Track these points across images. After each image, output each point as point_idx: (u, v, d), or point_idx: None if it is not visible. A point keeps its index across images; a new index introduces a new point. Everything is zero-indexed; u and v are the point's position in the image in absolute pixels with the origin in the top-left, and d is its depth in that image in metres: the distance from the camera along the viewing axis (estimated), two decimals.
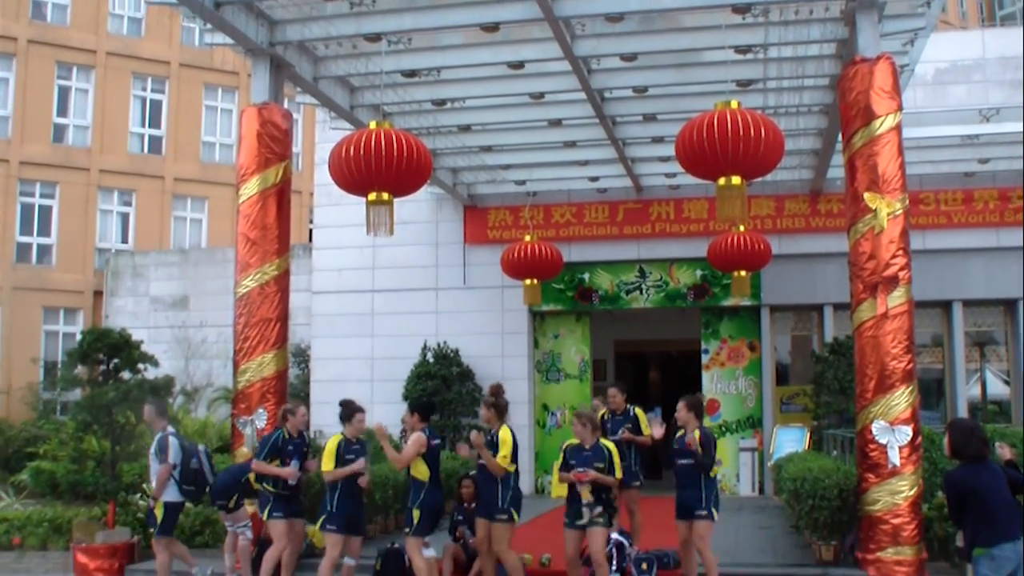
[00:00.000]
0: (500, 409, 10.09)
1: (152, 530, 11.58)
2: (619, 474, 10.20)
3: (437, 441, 10.41)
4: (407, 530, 10.30)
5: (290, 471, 10.94)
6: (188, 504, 13.97)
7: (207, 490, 11.87)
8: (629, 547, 11.49)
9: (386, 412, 20.37)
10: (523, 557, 11.17)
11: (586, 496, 10.01)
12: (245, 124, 13.42)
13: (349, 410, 10.72)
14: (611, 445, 10.34)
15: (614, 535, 10.93)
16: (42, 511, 14.38)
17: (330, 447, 10.39)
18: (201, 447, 11.74)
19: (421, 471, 10.17)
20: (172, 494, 11.48)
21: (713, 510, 9.85)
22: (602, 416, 12.34)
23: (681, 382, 23.63)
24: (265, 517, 11.02)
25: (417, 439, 10.14)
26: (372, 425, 10.69)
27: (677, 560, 11.10)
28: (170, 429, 11.60)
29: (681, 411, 10.14)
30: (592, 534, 9.98)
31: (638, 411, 12.28)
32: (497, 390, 10.44)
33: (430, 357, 20.67)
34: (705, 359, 20.79)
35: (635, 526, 12.07)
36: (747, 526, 15.09)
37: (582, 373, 21.27)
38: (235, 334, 13.34)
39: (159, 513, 11.44)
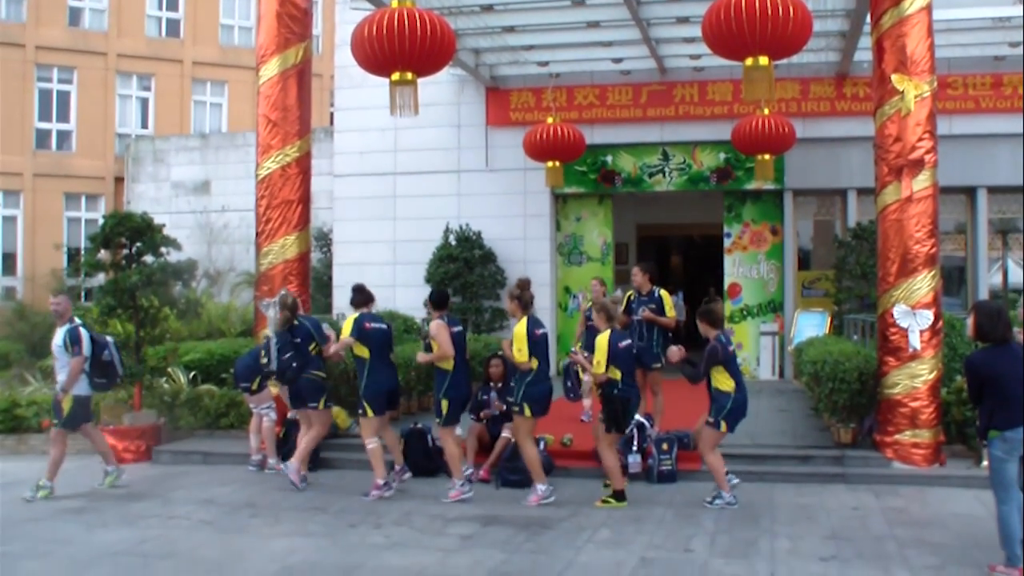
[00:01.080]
0: (524, 303, 10.11)
1: (55, 422, 11.09)
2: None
3: (458, 328, 10.50)
4: (437, 420, 10.43)
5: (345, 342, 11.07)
6: (212, 388, 14.20)
7: (118, 381, 11.60)
8: (650, 428, 11.62)
9: (408, 295, 20.53)
10: (544, 438, 11.32)
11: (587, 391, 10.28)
12: (264, 3, 13.22)
13: (364, 296, 10.91)
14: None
15: (638, 417, 11.04)
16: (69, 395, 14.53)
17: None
18: (110, 339, 11.49)
19: (446, 361, 10.26)
20: (83, 387, 11.09)
21: (722, 421, 9.83)
22: (628, 297, 12.41)
23: (703, 266, 23.60)
24: (321, 406, 11.20)
25: (439, 325, 10.23)
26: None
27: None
28: (77, 321, 11.15)
29: (700, 326, 10.12)
30: (598, 428, 10.09)
31: (663, 293, 12.32)
32: (525, 284, 10.42)
33: (452, 240, 20.66)
34: (727, 243, 20.70)
35: (657, 407, 12.18)
36: (767, 409, 15.19)
37: (604, 256, 21.24)
38: (257, 217, 13.33)
39: (66, 406, 10.95)
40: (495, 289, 20.34)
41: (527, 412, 9.92)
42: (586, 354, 10.35)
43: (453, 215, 21.01)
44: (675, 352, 10.01)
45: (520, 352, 9.77)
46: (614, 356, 9.74)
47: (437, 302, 10.47)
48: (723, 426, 9.82)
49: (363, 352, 10.57)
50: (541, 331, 10.01)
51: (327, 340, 11.19)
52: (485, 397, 11.92)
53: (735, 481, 10.33)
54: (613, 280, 21.02)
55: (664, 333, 12.17)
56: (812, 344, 14.94)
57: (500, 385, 11.80)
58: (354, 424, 12.87)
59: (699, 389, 10.06)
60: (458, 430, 10.62)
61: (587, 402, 12.91)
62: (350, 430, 12.92)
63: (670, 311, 12.06)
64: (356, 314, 10.70)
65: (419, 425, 11.94)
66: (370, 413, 10.56)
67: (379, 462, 10.60)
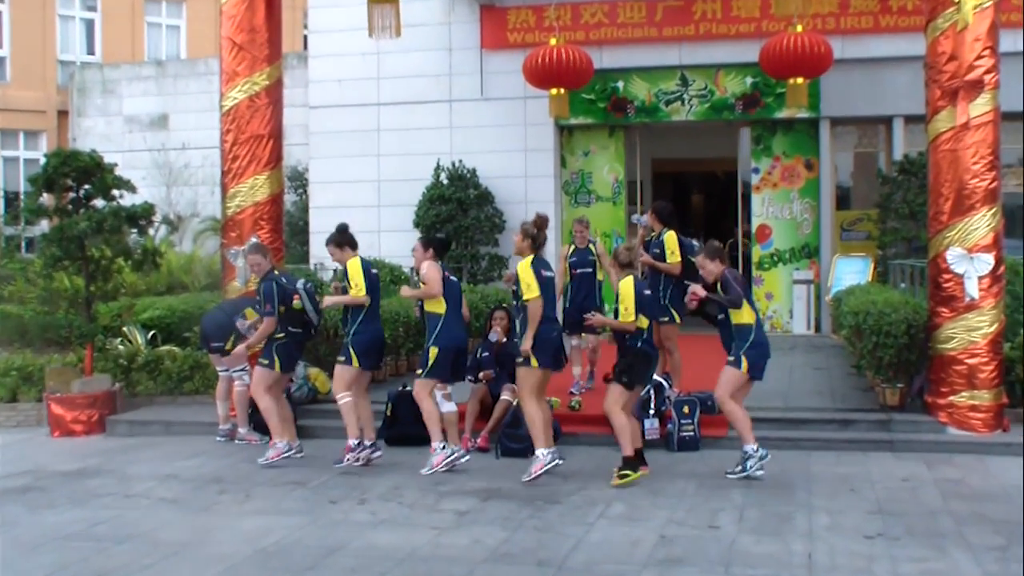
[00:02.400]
0: (537, 243, 10.04)
1: None
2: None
3: (454, 279, 10.52)
4: (419, 372, 10.41)
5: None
6: (173, 349, 14.17)
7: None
8: (668, 389, 11.59)
9: (394, 241, 20.46)
10: (550, 400, 11.30)
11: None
12: None
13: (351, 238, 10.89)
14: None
15: (655, 377, 11.00)
16: (9, 359, 14.51)
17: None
18: None
19: (437, 304, 10.32)
20: None
21: (742, 357, 9.76)
22: (644, 239, 12.39)
23: (728, 206, 23.49)
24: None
25: (432, 265, 10.28)
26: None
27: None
28: None
29: (699, 262, 10.08)
30: (608, 389, 10.03)
31: (667, 235, 12.11)
32: (543, 223, 10.32)
33: (444, 179, 20.57)
34: (755, 179, 20.60)
35: (674, 366, 12.14)
36: (801, 367, 15.17)
37: (615, 195, 21.16)
38: (223, 154, 13.24)
39: None
40: (492, 233, 20.28)
41: (533, 362, 9.83)
42: (594, 314, 10.39)
43: (445, 151, 20.90)
44: (697, 288, 9.89)
45: (530, 287, 9.72)
46: (640, 304, 9.72)
47: (437, 248, 10.57)
48: (744, 363, 9.73)
49: (364, 301, 10.62)
50: (548, 273, 9.95)
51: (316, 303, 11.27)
52: (486, 355, 11.90)
53: (759, 472, 10.12)
54: (626, 223, 20.95)
55: (673, 283, 12.08)
56: (853, 293, 14.89)
57: (504, 341, 11.78)
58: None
59: (719, 347, 10.04)
60: (452, 405, 10.60)
61: (578, 370, 12.88)
62: (331, 394, 12.96)
63: (672, 256, 11.95)
64: (356, 258, 10.71)
65: (408, 388, 11.91)
66: (355, 363, 10.58)
67: (354, 419, 10.63)
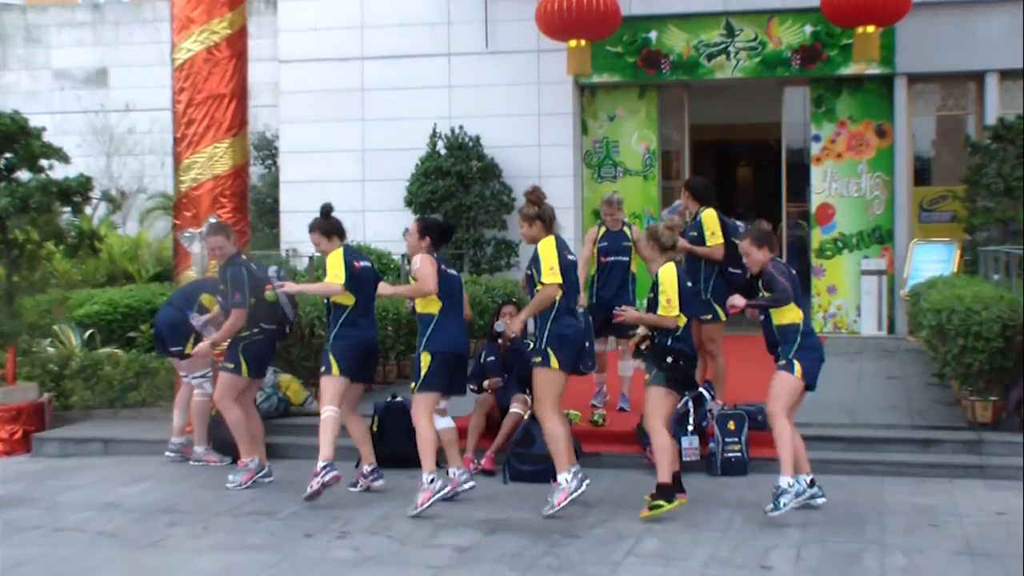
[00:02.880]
0: (547, 220, 10.01)
1: None
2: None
3: (454, 272, 10.40)
4: (412, 385, 10.36)
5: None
6: (116, 351, 14.17)
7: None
8: (711, 400, 11.60)
9: (381, 223, 20.51)
10: (569, 414, 11.28)
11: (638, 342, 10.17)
12: None
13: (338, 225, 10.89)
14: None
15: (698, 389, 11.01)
16: None
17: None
18: None
19: (430, 303, 10.20)
20: None
21: (795, 362, 9.74)
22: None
23: (781, 181, 23.50)
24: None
25: (426, 257, 10.16)
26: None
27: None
28: None
29: (742, 247, 10.07)
30: (647, 397, 10.02)
31: (705, 214, 12.11)
32: (538, 196, 10.25)
33: (441, 148, 20.61)
34: (815, 149, 20.61)
35: (718, 373, 12.15)
36: (871, 375, 15.15)
37: (647, 168, 21.20)
38: (175, 118, 13.23)
39: None
40: (499, 214, 20.33)
41: (553, 362, 9.79)
42: (626, 309, 10.36)
43: (442, 114, 20.97)
44: (737, 300, 9.88)
45: (552, 271, 9.69)
46: (681, 297, 9.73)
47: (436, 236, 10.40)
48: (797, 367, 9.71)
49: (347, 300, 10.57)
50: (571, 257, 9.95)
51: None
52: (491, 359, 11.89)
53: (818, 499, 10.03)
54: (659, 201, 20.97)
55: (715, 272, 12.05)
56: (935, 286, 14.86)
57: (512, 336, 11.65)
58: (310, 398, 12.90)
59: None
60: (448, 421, 10.57)
61: (600, 377, 12.87)
62: (305, 406, 12.95)
63: (711, 239, 11.93)
64: (340, 248, 10.63)
65: (398, 398, 11.96)
66: (336, 370, 10.49)
67: (330, 437, 10.50)
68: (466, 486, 10.38)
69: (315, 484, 10.31)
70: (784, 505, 9.52)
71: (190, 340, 11.95)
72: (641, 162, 21.20)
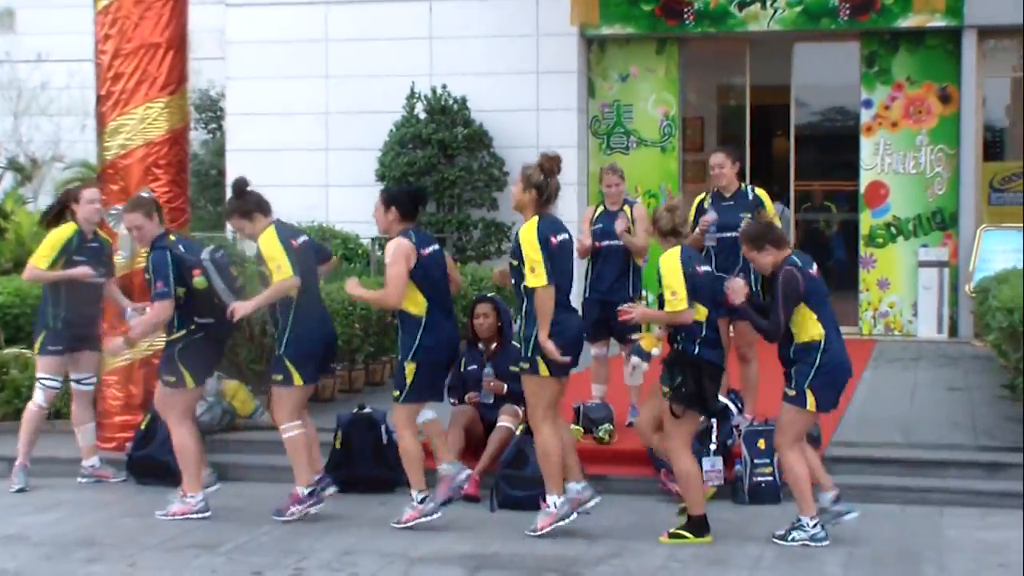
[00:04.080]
0: (545, 195, 9.97)
1: None
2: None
3: (433, 248, 10.35)
4: (396, 395, 10.39)
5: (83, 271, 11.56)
6: (22, 351, 14.11)
7: None
8: (738, 415, 11.59)
9: (349, 200, 20.51)
10: (570, 429, 11.27)
11: (649, 343, 10.07)
12: None
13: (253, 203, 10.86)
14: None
15: (722, 400, 10.96)
16: None
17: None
18: None
19: (413, 301, 10.20)
20: None
21: (807, 392, 9.69)
22: (699, 201, 12.36)
23: (825, 154, 23.52)
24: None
25: (398, 248, 10.11)
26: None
27: (816, 435, 11.14)
28: None
29: (745, 251, 10.07)
30: (666, 421, 10.00)
31: (760, 192, 12.23)
32: (551, 166, 10.19)
33: (420, 112, 20.61)
34: (866, 116, 20.59)
35: (750, 381, 12.16)
36: (929, 386, 15.14)
37: (665, 138, 21.18)
38: (98, 71, 13.14)
39: None
40: (489, 191, 20.32)
41: (542, 369, 9.82)
42: (630, 305, 10.33)
43: (422, 71, 20.98)
44: (738, 287, 9.85)
45: (535, 271, 9.65)
46: (695, 287, 9.64)
47: (403, 207, 10.35)
48: (810, 400, 9.70)
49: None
50: (560, 237, 9.90)
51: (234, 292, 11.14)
52: (472, 367, 11.89)
53: (848, 514, 10.03)
54: (679, 177, 20.95)
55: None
56: (1006, 281, 14.83)
57: (495, 347, 11.83)
58: (260, 409, 12.88)
59: None
60: (428, 413, 10.58)
61: (600, 389, 12.87)
62: (255, 418, 12.96)
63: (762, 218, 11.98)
64: (270, 227, 10.60)
65: (366, 409, 11.96)
66: (298, 379, 10.54)
67: (305, 459, 10.61)
68: (461, 477, 10.54)
69: (295, 511, 10.61)
70: (793, 540, 9.75)
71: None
72: (658, 131, 21.16)
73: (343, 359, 14.23)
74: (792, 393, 9.69)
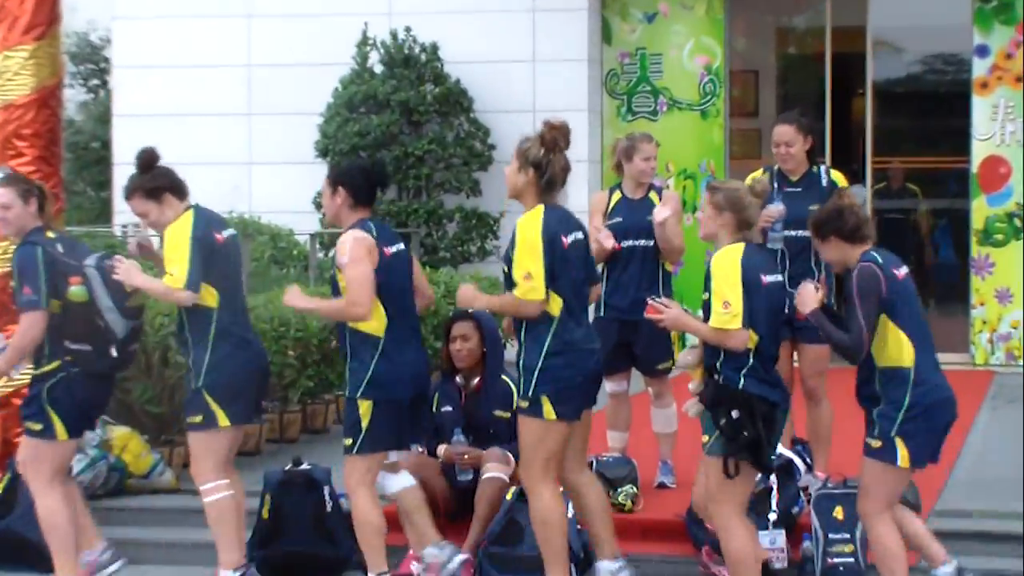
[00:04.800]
0: (549, 178, 9.97)
1: None
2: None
3: (398, 248, 10.33)
4: (347, 444, 10.32)
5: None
6: None
7: None
8: (806, 473, 11.63)
9: (280, 182, 20.60)
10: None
11: (695, 378, 10.00)
12: None
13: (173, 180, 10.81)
14: None
15: (784, 453, 11.00)
16: None
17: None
18: None
19: (376, 317, 10.07)
20: None
21: (896, 440, 9.69)
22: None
23: (920, 120, 23.62)
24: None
25: (357, 243, 10.09)
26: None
27: (913, 502, 11.13)
28: None
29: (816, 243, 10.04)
30: (705, 465, 10.00)
31: (837, 176, 12.24)
32: (556, 138, 10.19)
33: (376, 63, 20.77)
34: (979, 69, 20.67)
35: (820, 429, 12.20)
36: None
37: (706, 99, 21.23)
38: None
39: None
40: (468, 169, 20.39)
41: (548, 411, 9.80)
42: (665, 302, 10.22)
43: (377, 9, 21.13)
44: (810, 292, 9.83)
45: (531, 283, 9.64)
46: (753, 302, 9.64)
47: (357, 187, 10.27)
48: (901, 451, 9.69)
49: (208, 297, 10.52)
50: (573, 236, 9.90)
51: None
52: (447, 408, 11.90)
53: None
54: (726, 151, 21.03)
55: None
56: None
57: (477, 382, 11.79)
58: (161, 465, 12.89)
59: None
60: (404, 479, 10.59)
61: (619, 438, 12.89)
62: (153, 478, 12.95)
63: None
64: (187, 214, 10.58)
65: (303, 465, 11.98)
66: (223, 419, 10.44)
67: (233, 532, 10.53)
68: (454, 564, 10.42)
69: None
70: None
71: None
72: (698, 89, 21.21)
73: (273, 398, 14.24)
74: (876, 444, 9.55)
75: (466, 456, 11.53)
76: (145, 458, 12.94)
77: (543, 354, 9.74)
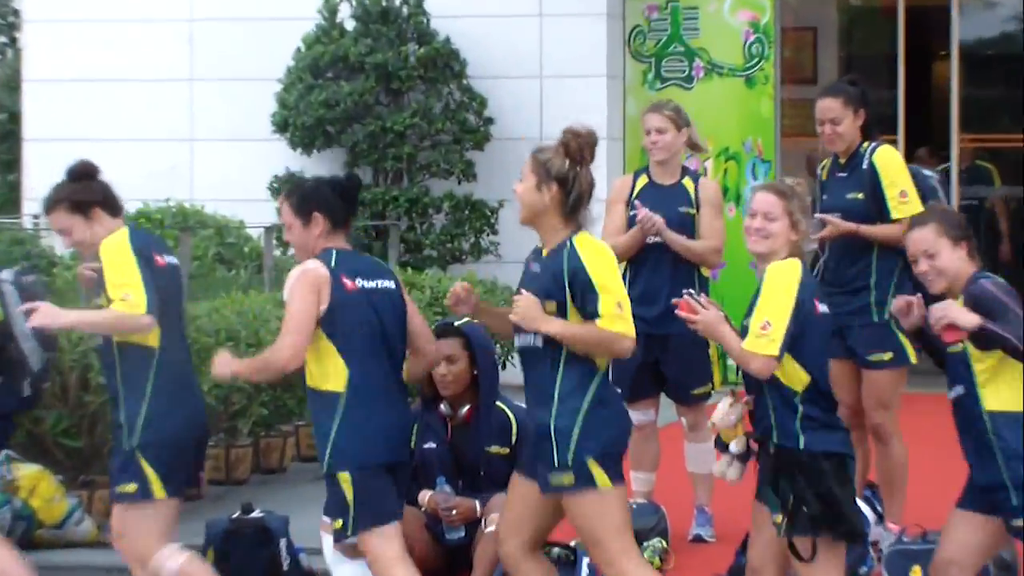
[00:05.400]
0: (574, 193, 9.92)
1: None
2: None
3: (378, 284, 10.20)
4: (337, 525, 10.22)
5: None
6: None
7: None
8: (876, 524, 11.63)
9: (226, 167, 20.57)
10: (566, 551, 11.29)
11: (731, 437, 9.94)
12: None
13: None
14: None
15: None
16: None
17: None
18: None
19: (329, 371, 10.13)
20: None
21: None
22: (820, 167, 12.35)
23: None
24: None
25: (299, 280, 10.02)
26: None
27: (1010, 562, 11.10)
28: None
29: (917, 241, 9.90)
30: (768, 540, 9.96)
31: (883, 154, 12.11)
32: (584, 145, 10.14)
33: (347, 16, 20.75)
34: None
35: (892, 468, 12.15)
36: None
37: (753, 61, 21.24)
38: None
39: None
40: (460, 148, 20.37)
41: (600, 478, 9.75)
42: (704, 301, 10.12)
43: None
44: (948, 315, 9.76)
45: (620, 309, 9.58)
46: (805, 333, 9.58)
47: (330, 208, 10.09)
48: None
49: (149, 337, 10.42)
50: (374, 284, 9.93)
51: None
52: (430, 445, 11.82)
53: None
54: (777, 126, 21.04)
55: (898, 266, 12.00)
56: None
57: (467, 411, 11.66)
58: (77, 512, 12.84)
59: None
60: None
61: (646, 480, 12.85)
62: (67, 528, 12.92)
63: (905, 205, 11.89)
64: (121, 233, 10.54)
65: (255, 513, 11.99)
66: (159, 490, 10.39)
67: None
68: None
69: None
70: None
71: None
72: (742, 50, 21.23)
73: (219, 429, 14.17)
74: (1019, 524, 9.63)
75: (455, 511, 11.39)
76: (59, 503, 12.86)
77: (585, 405, 9.79)
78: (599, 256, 9.49)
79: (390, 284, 10.03)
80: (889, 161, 12.05)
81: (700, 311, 9.55)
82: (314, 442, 10.40)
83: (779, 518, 9.31)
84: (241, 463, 14.74)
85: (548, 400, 9.43)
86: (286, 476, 14.22)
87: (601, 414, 9.49)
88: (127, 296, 9.91)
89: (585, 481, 9.37)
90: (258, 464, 14.90)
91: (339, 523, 9.98)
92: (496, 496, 11.24)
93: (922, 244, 9.54)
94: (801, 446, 9.33)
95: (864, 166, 12.06)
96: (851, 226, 11.78)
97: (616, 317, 9.35)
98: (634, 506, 11.98)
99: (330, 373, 9.87)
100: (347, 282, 9.80)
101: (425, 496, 11.67)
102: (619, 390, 10.10)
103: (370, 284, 9.92)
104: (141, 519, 10.27)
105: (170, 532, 10.39)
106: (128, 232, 10.34)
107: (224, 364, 9.97)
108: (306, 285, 9.78)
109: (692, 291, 9.94)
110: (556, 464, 9.35)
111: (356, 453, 9.89)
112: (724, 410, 9.68)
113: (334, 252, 9.95)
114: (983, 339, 9.24)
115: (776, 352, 9.19)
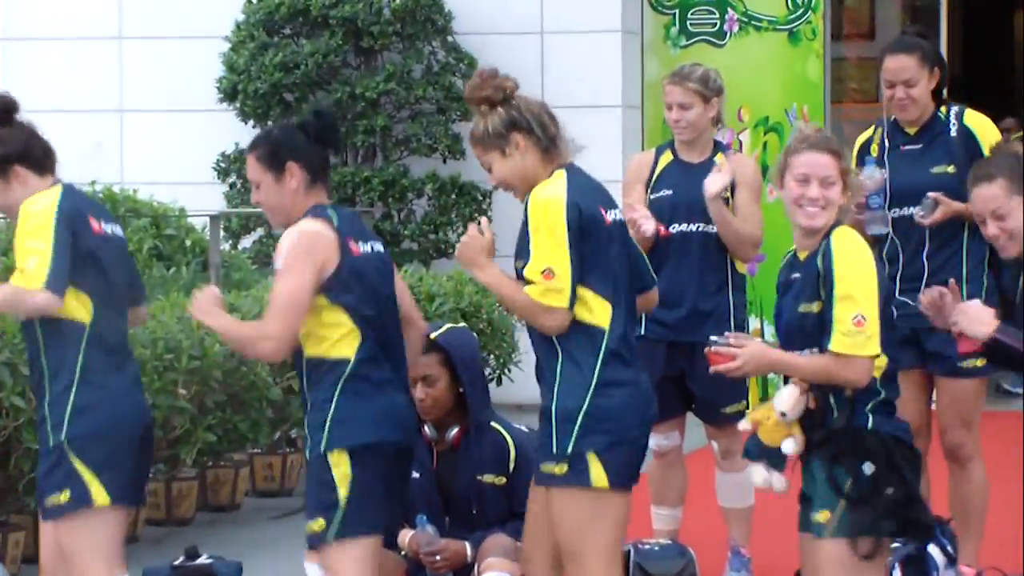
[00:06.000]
0: (536, 130, 10.00)
1: None
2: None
3: (373, 247, 10.36)
4: (317, 525, 10.27)
5: None
6: None
7: None
8: (946, 567, 11.69)
9: (166, 143, 20.65)
10: None
11: (780, 436, 9.95)
12: None
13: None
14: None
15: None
16: None
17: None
18: None
19: (333, 336, 10.23)
20: None
21: None
22: (862, 145, 12.48)
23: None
24: None
25: (298, 242, 10.06)
26: None
27: None
28: None
29: (984, 200, 9.92)
30: (816, 553, 10.03)
31: (974, 119, 12.19)
32: (499, 84, 10.24)
33: None
34: None
35: (970, 499, 12.26)
36: None
37: (799, 12, 21.33)
38: None
39: None
40: (445, 118, 20.45)
41: (597, 475, 9.84)
42: (732, 339, 10.15)
43: None
44: (979, 312, 9.83)
45: (554, 287, 9.65)
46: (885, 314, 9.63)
47: (310, 158, 10.01)
48: None
49: (77, 307, 10.57)
50: (614, 215, 9.95)
51: None
52: (416, 476, 11.83)
53: None
54: (826, 92, 21.16)
55: (986, 254, 12.08)
56: None
57: (456, 434, 11.67)
58: None
59: None
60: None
61: (671, 514, 12.95)
62: None
63: None
64: (52, 192, 10.62)
65: (201, 559, 12.09)
66: (101, 495, 10.43)
67: None
68: None
69: None
70: None
71: None
72: (782, 3, 21.33)
73: (158, 459, 14.23)
74: None
75: (438, 557, 11.25)
76: None
77: (595, 381, 9.87)
78: (543, 213, 9.66)
79: (381, 248, 10.04)
80: (986, 124, 12.14)
81: (737, 352, 9.39)
82: (305, 430, 9.90)
83: (825, 515, 9.23)
84: (184, 499, 14.75)
85: (551, 379, 9.46)
86: (238, 514, 14.31)
87: (612, 398, 9.49)
88: (27, 265, 9.80)
89: (577, 475, 9.37)
90: (205, 500, 14.91)
91: (320, 523, 9.74)
92: (491, 537, 11.13)
93: (991, 203, 9.46)
94: (870, 426, 9.32)
95: (953, 133, 12.10)
96: (963, 206, 11.46)
97: (545, 288, 9.36)
98: (656, 547, 12.09)
99: (336, 339, 9.78)
100: (353, 246, 9.71)
101: (405, 537, 11.40)
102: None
103: (374, 247, 9.96)
104: (80, 535, 10.10)
105: (118, 556, 10.14)
106: (61, 192, 10.21)
107: (204, 309, 9.86)
108: (306, 253, 9.60)
109: (715, 336, 9.71)
110: (553, 451, 9.37)
111: (364, 429, 9.73)
112: (795, 396, 9.36)
113: (330, 209, 9.84)
114: (994, 352, 9.41)
115: (878, 350, 9.07)
